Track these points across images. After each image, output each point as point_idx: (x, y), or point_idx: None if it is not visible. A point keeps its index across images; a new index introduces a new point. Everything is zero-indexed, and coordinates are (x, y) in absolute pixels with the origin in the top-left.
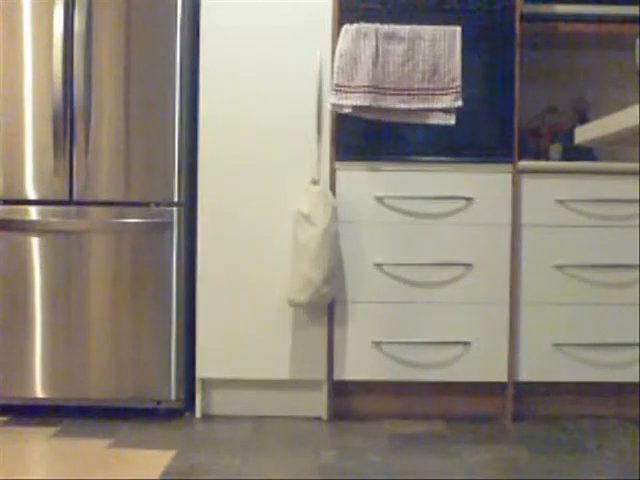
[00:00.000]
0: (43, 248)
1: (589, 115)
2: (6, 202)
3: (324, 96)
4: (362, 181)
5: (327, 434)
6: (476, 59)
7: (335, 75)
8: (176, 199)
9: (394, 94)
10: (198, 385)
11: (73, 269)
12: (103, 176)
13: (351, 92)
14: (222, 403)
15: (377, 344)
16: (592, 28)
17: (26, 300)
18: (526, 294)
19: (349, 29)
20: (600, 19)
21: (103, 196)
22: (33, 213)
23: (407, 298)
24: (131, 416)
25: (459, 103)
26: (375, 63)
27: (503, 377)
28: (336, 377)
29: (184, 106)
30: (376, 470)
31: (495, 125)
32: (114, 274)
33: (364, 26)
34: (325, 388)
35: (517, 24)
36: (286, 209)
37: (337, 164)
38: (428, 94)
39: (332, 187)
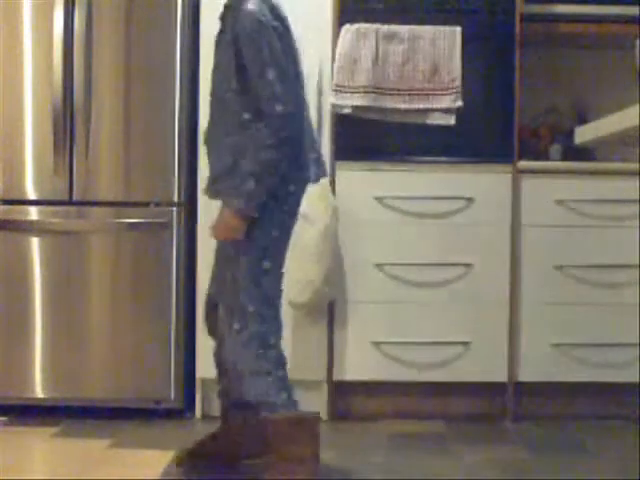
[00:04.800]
0: (43, 248)
1: (589, 115)
2: (6, 202)
3: (324, 96)
4: (362, 181)
5: (327, 434)
6: (476, 59)
7: (335, 75)
8: (176, 199)
9: (394, 94)
10: (198, 385)
11: (73, 269)
12: (103, 176)
13: (351, 92)
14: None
15: (377, 344)
16: (592, 28)
17: (26, 300)
18: (526, 294)
19: (349, 29)
20: (600, 19)
21: (103, 196)
22: (33, 213)
23: (407, 298)
24: (131, 416)
25: (459, 103)
26: (375, 63)
27: (503, 377)
28: (336, 377)
29: (184, 106)
30: (376, 470)
31: (495, 125)
32: (114, 274)
33: (364, 26)
34: (325, 388)
35: (517, 24)
36: None
37: (337, 164)
38: (428, 94)
39: (332, 187)
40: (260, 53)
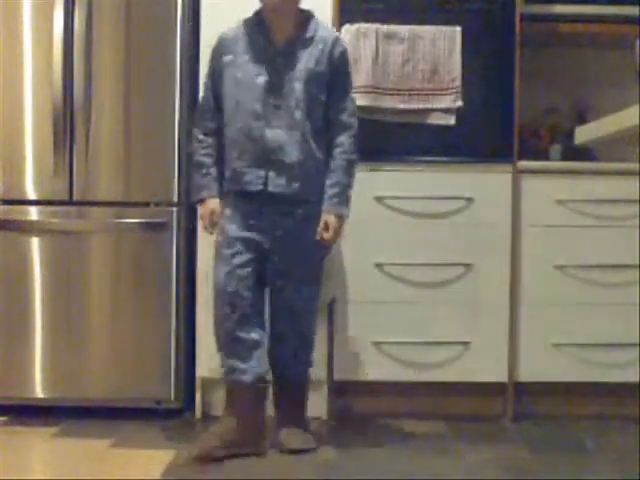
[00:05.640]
0: (43, 248)
1: (589, 115)
2: (6, 202)
3: None
4: (362, 181)
5: (327, 434)
6: (476, 59)
7: None
8: (176, 199)
9: (394, 94)
10: (198, 385)
11: (73, 269)
12: (103, 176)
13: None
14: (222, 403)
15: (377, 344)
16: (592, 28)
17: (26, 300)
18: (526, 294)
19: (349, 29)
20: (600, 19)
21: (103, 196)
22: (33, 213)
23: (407, 298)
24: (131, 416)
25: (459, 103)
26: (375, 63)
27: (503, 377)
28: (336, 377)
29: (184, 106)
30: (376, 470)
31: (495, 125)
32: (114, 274)
33: (364, 26)
34: (325, 388)
35: (517, 24)
36: None
37: None
38: (428, 94)
39: None
40: (351, 73)
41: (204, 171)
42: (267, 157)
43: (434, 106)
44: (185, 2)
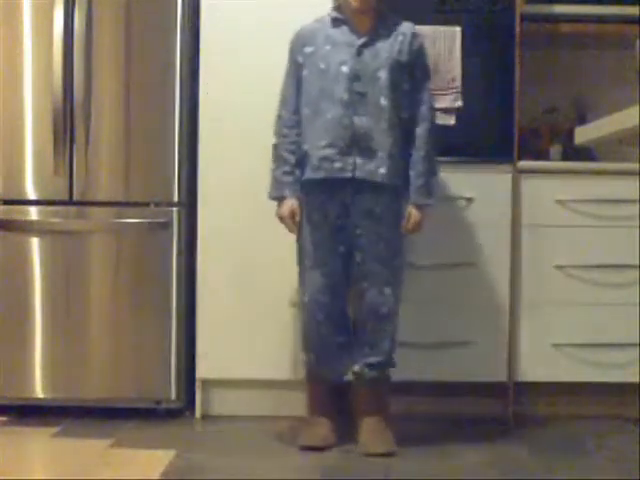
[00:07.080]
0: (43, 248)
1: (589, 115)
2: (6, 202)
3: None
4: None
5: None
6: (476, 59)
7: None
8: (176, 199)
9: None
10: (198, 385)
11: (73, 269)
12: (103, 176)
13: None
14: (222, 403)
15: None
16: (592, 28)
17: (26, 300)
18: (526, 294)
19: None
20: (600, 19)
21: (103, 196)
22: (33, 213)
23: (407, 298)
24: (131, 416)
25: (459, 103)
26: None
27: (503, 377)
28: None
29: (184, 106)
30: (376, 470)
31: (495, 125)
32: (114, 274)
33: None
34: None
35: (517, 24)
36: None
37: None
38: None
39: None
40: (429, 66)
41: (287, 169)
42: (355, 144)
43: (434, 106)
44: (185, 2)
